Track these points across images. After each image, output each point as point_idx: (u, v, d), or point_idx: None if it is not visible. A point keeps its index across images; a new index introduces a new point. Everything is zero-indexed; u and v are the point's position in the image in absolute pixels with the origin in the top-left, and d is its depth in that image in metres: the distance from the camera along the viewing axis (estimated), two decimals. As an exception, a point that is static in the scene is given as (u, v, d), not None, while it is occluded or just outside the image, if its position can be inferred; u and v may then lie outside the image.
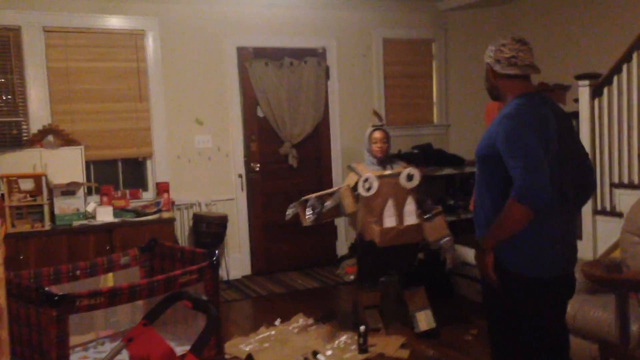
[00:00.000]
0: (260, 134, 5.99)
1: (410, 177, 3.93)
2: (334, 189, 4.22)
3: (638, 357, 2.29)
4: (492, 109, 4.45)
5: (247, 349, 4.00)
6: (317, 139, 6.23)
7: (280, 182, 6.08)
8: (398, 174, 3.95)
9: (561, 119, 2.39)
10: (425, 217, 4.02)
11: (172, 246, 3.95)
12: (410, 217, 3.92)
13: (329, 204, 3.99)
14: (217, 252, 3.53)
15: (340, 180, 6.21)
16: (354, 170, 4.15)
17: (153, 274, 3.80)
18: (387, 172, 4.02)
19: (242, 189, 5.91)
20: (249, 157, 5.94)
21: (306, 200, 4.03)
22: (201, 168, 5.72)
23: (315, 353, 3.88)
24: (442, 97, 6.73)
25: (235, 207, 5.85)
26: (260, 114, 5.99)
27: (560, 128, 2.36)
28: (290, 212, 4.14)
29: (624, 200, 4.03)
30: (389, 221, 3.89)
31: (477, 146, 2.41)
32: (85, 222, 4.72)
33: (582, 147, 2.55)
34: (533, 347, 2.37)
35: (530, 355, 2.38)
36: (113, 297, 3.03)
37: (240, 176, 5.89)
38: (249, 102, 5.93)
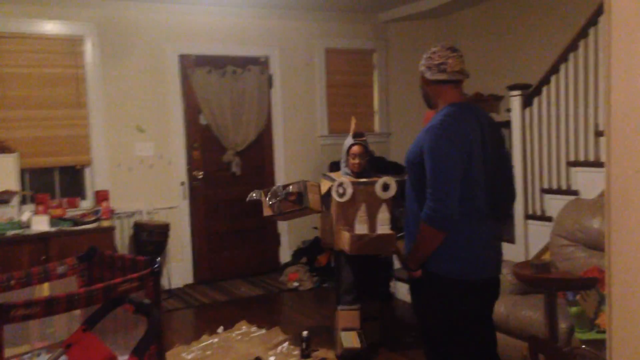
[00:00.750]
0: (203, 142, 5.97)
1: (386, 187, 3.70)
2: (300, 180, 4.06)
3: (565, 352, 2.42)
4: (430, 117, 4.60)
5: (189, 357, 3.97)
6: (261, 147, 6.25)
7: (224, 190, 6.07)
8: (373, 183, 3.73)
9: (489, 129, 2.51)
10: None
11: (112, 254, 3.87)
12: (384, 226, 3.61)
13: (291, 188, 3.88)
14: (159, 259, 3.50)
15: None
16: (329, 178, 4.03)
17: (92, 283, 3.72)
18: (363, 180, 3.82)
19: (185, 197, 5.87)
20: (191, 165, 5.91)
21: (269, 190, 3.99)
22: (142, 176, 5.65)
23: (258, 359, 3.89)
24: (383, 106, 6.88)
25: (177, 215, 5.80)
26: (202, 121, 5.97)
27: (489, 138, 2.48)
28: (250, 196, 4.11)
29: (553, 205, 4.22)
30: (360, 228, 3.62)
31: (407, 151, 2.51)
32: (19, 231, 4.59)
33: (509, 156, 2.68)
34: (463, 346, 2.47)
35: (460, 353, 2.49)
36: (50, 307, 2.95)
37: (182, 184, 5.85)
38: (192, 110, 5.91)
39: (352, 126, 3.98)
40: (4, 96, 5.05)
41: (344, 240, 3.68)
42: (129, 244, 5.50)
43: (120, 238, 5.42)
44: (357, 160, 3.89)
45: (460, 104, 2.49)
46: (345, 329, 3.81)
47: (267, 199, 3.96)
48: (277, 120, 6.29)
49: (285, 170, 6.30)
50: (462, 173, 2.35)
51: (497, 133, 2.58)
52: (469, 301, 2.46)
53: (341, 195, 3.70)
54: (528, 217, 4.46)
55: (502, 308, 3.62)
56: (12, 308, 2.84)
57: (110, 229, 4.91)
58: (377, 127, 6.89)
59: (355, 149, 3.89)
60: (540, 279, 2.71)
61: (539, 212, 4.42)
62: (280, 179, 6.28)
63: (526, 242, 4.44)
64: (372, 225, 3.62)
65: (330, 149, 6.36)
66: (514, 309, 3.55)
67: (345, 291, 3.90)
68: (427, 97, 2.59)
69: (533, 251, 4.39)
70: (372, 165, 6.76)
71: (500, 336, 3.56)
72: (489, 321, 2.59)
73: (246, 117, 6.07)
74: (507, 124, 4.64)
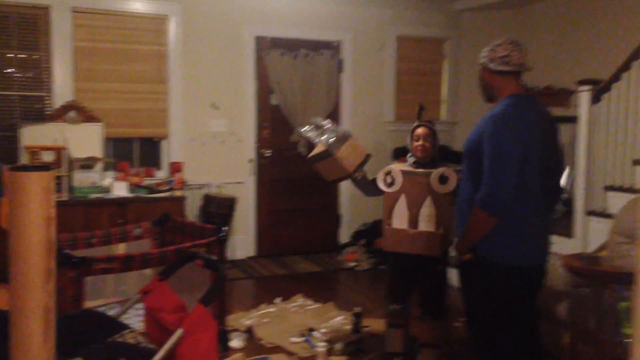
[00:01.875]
0: (272, 122, 6.21)
1: (443, 179, 3.16)
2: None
3: (609, 342, 2.48)
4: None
5: (248, 322, 4.23)
6: (327, 130, 6.42)
7: (289, 169, 6.30)
8: (428, 174, 3.20)
9: (547, 122, 2.59)
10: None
11: (183, 221, 4.19)
12: (426, 223, 3.18)
13: (325, 124, 3.50)
14: (226, 228, 3.76)
15: (345, 188, 6.42)
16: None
17: (164, 246, 4.04)
18: (419, 170, 3.31)
19: (252, 174, 6.14)
20: (260, 143, 6.17)
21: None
22: (214, 151, 5.95)
23: (311, 330, 4.10)
24: (452, 95, 6.91)
25: (244, 191, 6.08)
26: (273, 102, 6.21)
27: (547, 131, 2.56)
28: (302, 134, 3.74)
29: (616, 202, 4.20)
30: (398, 222, 3.24)
31: (466, 140, 2.61)
32: (101, 195, 4.97)
33: (562, 151, 2.75)
34: (507, 330, 2.57)
35: (505, 338, 2.59)
36: (127, 263, 3.27)
37: (250, 161, 6.11)
38: (264, 90, 6.15)
39: (418, 110, 3.60)
40: (93, 69, 5.43)
41: (384, 235, 3.34)
42: (198, 214, 5.82)
43: (191, 208, 5.74)
44: (420, 142, 3.37)
45: (521, 96, 2.57)
46: (392, 326, 3.46)
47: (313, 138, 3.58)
48: (345, 103, 6.45)
49: (350, 153, 6.45)
50: (519, 162, 2.42)
51: (554, 127, 2.65)
52: (516, 287, 2.55)
53: (389, 184, 3.26)
54: (589, 213, 4.45)
55: (550, 298, 3.68)
56: (94, 262, 3.17)
57: (182, 199, 5.24)
58: (443, 115, 6.93)
59: (420, 130, 3.44)
60: (588, 270, 2.77)
61: (600, 209, 4.40)
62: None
63: (585, 238, 4.44)
64: (414, 220, 3.23)
65: (395, 135, 6.46)
66: (562, 299, 3.59)
67: (391, 294, 3.48)
68: (486, 89, 2.68)
69: (591, 247, 4.38)
70: (442, 156, 6.83)
71: (543, 324, 3.64)
72: (533, 308, 2.68)
73: (315, 99, 6.26)
74: (575, 119, 4.62)
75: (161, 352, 1.87)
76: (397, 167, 3.32)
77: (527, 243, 2.53)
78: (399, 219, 3.24)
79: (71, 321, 1.98)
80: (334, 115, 6.41)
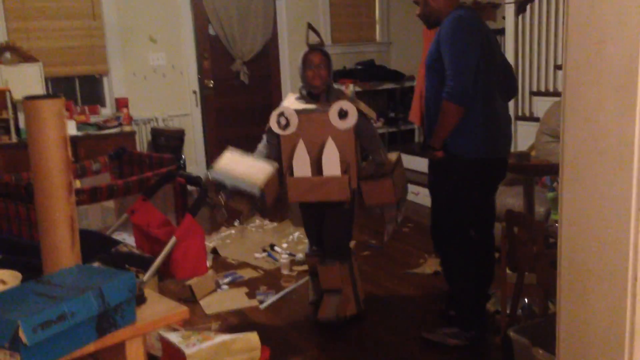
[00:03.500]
0: (212, 52, 6.26)
1: (343, 114, 2.90)
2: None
3: (535, 221, 2.84)
4: (430, 36, 4.95)
5: (211, 244, 4.47)
6: (267, 57, 6.54)
7: (233, 98, 6.42)
8: (326, 110, 2.93)
9: (490, 31, 2.86)
10: (366, 173, 3.08)
11: (141, 153, 4.31)
12: (331, 166, 2.90)
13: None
14: (183, 156, 3.92)
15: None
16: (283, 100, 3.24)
17: (123, 179, 4.17)
18: (314, 105, 3.00)
19: (197, 105, 6.23)
20: (202, 74, 6.23)
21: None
22: (156, 85, 5.98)
23: (272, 246, 4.39)
24: (384, 16, 7.09)
25: (191, 122, 6.18)
26: (211, 32, 6.23)
27: (492, 37, 2.83)
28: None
29: (541, 106, 4.60)
30: (300, 170, 2.92)
31: (426, 57, 2.82)
32: (49, 135, 4.97)
33: (506, 59, 3.03)
34: (469, 219, 2.88)
35: (466, 227, 2.90)
36: (94, 195, 3.41)
37: (194, 92, 6.18)
38: (201, 21, 6.16)
39: (311, 34, 3.05)
40: (24, 7, 5.30)
41: (287, 186, 2.99)
42: (147, 149, 5.90)
43: (139, 143, 5.81)
44: (314, 70, 2.98)
45: (467, 7, 2.80)
46: (314, 274, 3.28)
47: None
48: (282, 30, 6.54)
49: (291, 78, 6.61)
50: (476, 59, 2.65)
51: (495, 38, 2.92)
52: (483, 177, 2.84)
53: (284, 126, 2.96)
54: (518, 118, 4.84)
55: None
56: (63, 195, 3.30)
57: (132, 134, 5.32)
58: (378, 36, 7.13)
59: (313, 56, 2.99)
60: (519, 165, 3.13)
61: (527, 113, 4.80)
62: (286, 86, 6.60)
63: (515, 141, 4.84)
64: (317, 165, 2.94)
65: (334, 59, 6.61)
66: (500, 197, 4.00)
67: (309, 238, 3.33)
68: (433, 14, 2.80)
69: (522, 148, 4.80)
70: (369, 71, 7.03)
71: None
72: (493, 197, 3.02)
73: (253, 28, 6.33)
74: (502, 31, 4.93)
75: (160, 258, 2.09)
76: (290, 106, 2.99)
77: (492, 137, 2.79)
78: (300, 166, 2.91)
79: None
80: (272, 41, 6.50)
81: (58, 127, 1.45)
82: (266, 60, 6.56)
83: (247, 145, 6.51)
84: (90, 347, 1.25)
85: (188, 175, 2.64)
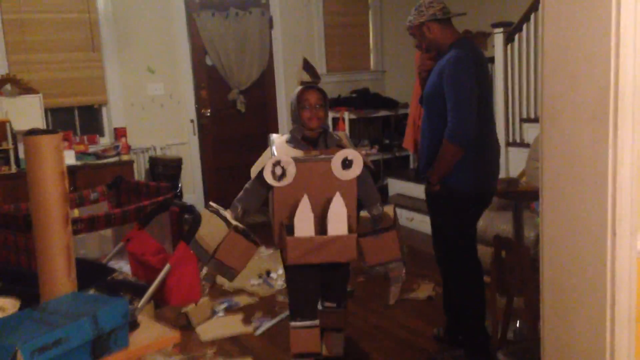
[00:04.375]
0: (209, 82, 6.38)
1: (347, 164, 2.59)
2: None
3: (522, 247, 2.91)
4: (419, 59, 5.07)
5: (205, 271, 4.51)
6: (263, 86, 6.66)
7: (230, 126, 6.52)
8: (329, 158, 2.59)
9: (485, 62, 2.99)
10: (365, 231, 2.74)
11: (138, 182, 4.39)
12: (337, 223, 2.55)
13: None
14: (179, 184, 4.00)
15: (287, 131, 6.72)
16: (270, 146, 2.82)
17: (120, 208, 4.24)
18: (314, 153, 2.66)
19: (194, 134, 6.32)
20: (199, 104, 6.34)
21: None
22: (155, 114, 6.08)
23: (268, 272, 4.44)
24: (378, 45, 7.24)
25: (188, 151, 6.27)
26: (208, 62, 6.36)
27: (486, 69, 2.98)
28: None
29: (531, 132, 4.69)
30: (303, 228, 2.53)
31: (427, 86, 2.92)
32: (49, 165, 5.05)
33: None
34: (469, 245, 3.00)
35: (466, 250, 3.00)
36: (92, 223, 3.49)
37: (192, 121, 6.28)
38: (198, 51, 6.29)
39: (304, 72, 2.72)
40: (25, 41, 5.42)
41: (284, 244, 2.60)
42: (145, 177, 5.98)
43: (138, 172, 5.89)
44: (311, 111, 2.65)
45: (465, 39, 2.91)
46: (300, 356, 2.79)
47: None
48: (278, 59, 6.67)
49: (287, 107, 6.71)
50: (476, 99, 2.77)
51: (487, 66, 3.05)
52: (475, 208, 2.99)
53: (279, 177, 2.57)
54: (509, 144, 4.93)
55: (480, 222, 4.14)
56: (61, 224, 3.37)
57: (130, 162, 5.39)
58: (372, 65, 7.27)
59: (310, 95, 2.66)
60: (508, 191, 3.20)
61: (518, 140, 4.89)
62: (282, 115, 6.71)
63: (507, 167, 4.93)
64: (323, 223, 2.58)
65: (328, 87, 6.73)
66: (491, 222, 4.07)
67: (297, 303, 2.81)
68: (434, 44, 2.92)
69: (513, 174, 4.89)
70: (364, 99, 6.77)
71: (479, 247, 4.11)
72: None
73: (249, 57, 6.46)
74: (492, 60, 5.05)
75: (155, 284, 2.15)
76: (285, 155, 2.59)
77: (486, 172, 2.93)
78: (303, 225, 2.53)
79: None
80: (268, 71, 6.63)
81: (56, 161, 1.52)
82: (262, 89, 6.68)
83: (245, 173, 6.61)
84: (85, 372, 1.31)
85: (182, 203, 2.71)
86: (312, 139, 2.71)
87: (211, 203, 2.75)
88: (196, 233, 2.49)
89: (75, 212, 4.28)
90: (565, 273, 1.96)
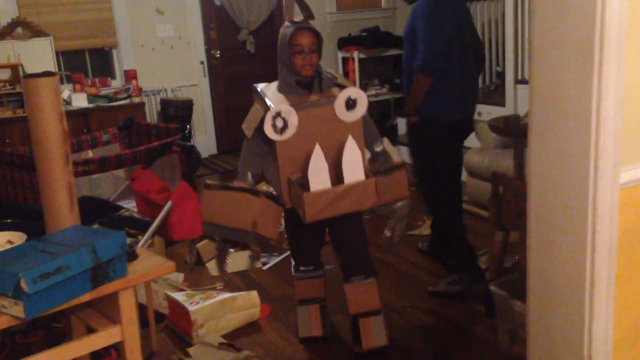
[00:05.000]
0: (218, 22, 6.36)
1: (352, 104, 2.39)
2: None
3: (517, 182, 2.97)
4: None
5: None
6: (273, 26, 6.61)
7: (240, 67, 6.53)
8: (331, 100, 2.38)
9: (466, 8, 3.16)
10: (377, 169, 2.56)
11: (148, 124, 4.47)
12: (354, 170, 2.35)
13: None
14: (189, 126, 4.07)
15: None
16: (260, 98, 2.47)
17: (131, 149, 4.35)
18: (313, 97, 2.40)
19: (205, 75, 6.35)
20: (209, 45, 6.34)
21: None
22: (165, 56, 6.10)
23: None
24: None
25: (199, 92, 6.32)
26: (217, 2, 6.32)
27: (467, 14, 3.15)
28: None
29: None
30: (318, 181, 2.31)
31: (404, 28, 3.04)
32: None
33: (476, 31, 3.32)
34: (445, 172, 3.14)
35: (447, 178, 3.15)
36: (103, 164, 3.59)
37: (202, 63, 6.30)
38: (206, -9, 6.25)
39: (295, 6, 2.44)
40: (32, -17, 5.44)
41: (298, 201, 2.37)
42: (157, 119, 6.07)
43: (149, 114, 5.98)
44: (305, 59, 2.36)
45: None
46: (305, 301, 2.78)
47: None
48: (288, -2, 6.61)
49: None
50: (447, 36, 2.90)
51: (468, 10, 3.24)
52: (454, 136, 3.12)
53: (282, 130, 2.32)
54: (517, 81, 4.90)
55: (485, 159, 4.19)
56: (74, 165, 3.47)
57: (141, 105, 5.47)
58: (383, 2, 7.15)
59: (301, 37, 2.36)
60: (507, 127, 3.24)
61: (527, 77, 4.84)
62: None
63: (515, 106, 4.92)
64: (337, 171, 2.37)
65: (339, 26, 6.70)
66: (495, 159, 4.11)
67: (300, 254, 2.76)
68: None
69: (522, 112, 4.87)
70: (375, 38, 6.68)
71: (482, 183, 4.16)
72: (461, 150, 3.31)
73: (258, -4, 6.41)
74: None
75: (157, 221, 2.26)
76: (285, 104, 2.35)
77: (461, 101, 3.06)
78: (318, 176, 2.31)
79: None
80: (277, 10, 6.57)
81: (54, 103, 1.59)
82: (272, 29, 6.62)
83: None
84: (86, 297, 1.42)
85: (183, 144, 2.79)
86: (305, 83, 2.42)
87: (208, 181, 2.47)
88: (195, 170, 2.57)
89: (89, 153, 4.40)
90: (550, 205, 2.02)
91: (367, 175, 2.39)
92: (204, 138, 6.45)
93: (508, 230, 2.95)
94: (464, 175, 4.40)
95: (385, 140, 2.66)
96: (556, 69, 1.91)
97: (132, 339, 1.51)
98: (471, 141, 4.88)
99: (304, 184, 2.34)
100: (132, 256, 1.56)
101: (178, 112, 5.91)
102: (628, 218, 1.93)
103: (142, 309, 2.73)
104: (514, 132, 3.25)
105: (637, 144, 1.90)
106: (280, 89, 2.44)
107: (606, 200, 1.86)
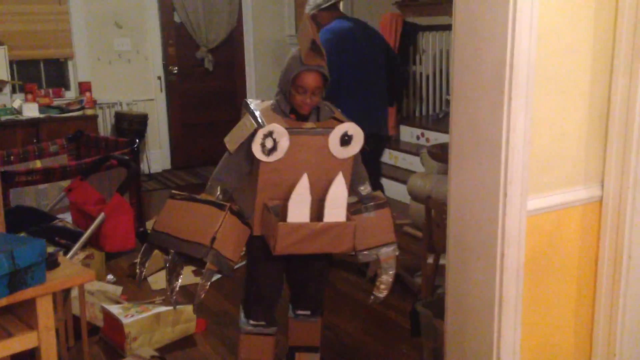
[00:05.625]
0: (177, 39, 6.42)
1: (347, 140, 2.27)
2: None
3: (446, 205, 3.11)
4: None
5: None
6: (232, 44, 6.72)
7: (197, 84, 6.59)
8: (326, 132, 2.25)
9: (371, 35, 3.62)
10: (356, 208, 2.38)
11: (97, 136, 4.49)
12: (337, 210, 2.21)
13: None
14: (137, 140, 4.10)
15: (254, 90, 6.81)
16: (251, 113, 2.29)
17: (79, 161, 4.36)
18: (309, 125, 2.28)
19: (162, 90, 6.39)
20: (167, 60, 6.39)
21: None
22: (121, 69, 6.13)
23: (224, 227, 4.59)
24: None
25: (155, 107, 6.34)
26: (177, 19, 6.39)
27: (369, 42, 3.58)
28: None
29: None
30: (297, 213, 2.17)
31: None
32: (12, 116, 5.13)
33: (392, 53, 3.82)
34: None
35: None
36: (47, 175, 3.59)
37: (159, 78, 6.34)
38: (166, 8, 6.31)
39: (307, 33, 2.19)
40: (-12, -9, 5.42)
41: (270, 230, 2.19)
42: (110, 133, 6.07)
43: (103, 127, 5.97)
44: (307, 99, 2.24)
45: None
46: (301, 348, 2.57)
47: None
48: (247, 18, 6.71)
49: (255, 67, 6.80)
50: (337, 62, 3.22)
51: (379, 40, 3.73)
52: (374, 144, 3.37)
53: (270, 151, 2.18)
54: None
55: (427, 184, 4.33)
56: (17, 175, 3.49)
57: (94, 117, 5.47)
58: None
59: (308, 78, 2.22)
60: (444, 153, 3.37)
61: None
62: (250, 75, 6.79)
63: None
64: (318, 207, 2.22)
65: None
66: (437, 185, 4.25)
67: (253, 301, 2.46)
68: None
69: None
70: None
71: (423, 207, 4.29)
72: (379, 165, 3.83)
73: (218, 16, 6.50)
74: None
75: (88, 232, 2.30)
76: (279, 125, 2.19)
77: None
78: (299, 209, 2.16)
79: (7, 214, 2.34)
80: (237, 30, 6.67)
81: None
82: (231, 48, 6.73)
83: (211, 131, 6.72)
84: (3, 302, 1.46)
85: (120, 157, 2.83)
86: (301, 115, 2.28)
87: (174, 191, 2.36)
88: (130, 184, 2.61)
89: (37, 164, 4.39)
90: (466, 230, 2.14)
91: (348, 219, 2.23)
92: (158, 153, 6.47)
93: (439, 253, 3.07)
94: (408, 199, 4.56)
95: (384, 210, 2.43)
96: (472, 102, 2.04)
97: (48, 345, 1.55)
98: (417, 166, 5.06)
99: (281, 212, 2.18)
100: (53, 264, 1.60)
101: (132, 126, 5.92)
102: (535, 243, 2.06)
103: (77, 320, 2.75)
104: (445, 158, 3.39)
105: (544, 175, 2.04)
106: (275, 110, 2.29)
107: (514, 226, 1.99)
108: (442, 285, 3.37)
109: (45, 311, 1.53)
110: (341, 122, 2.28)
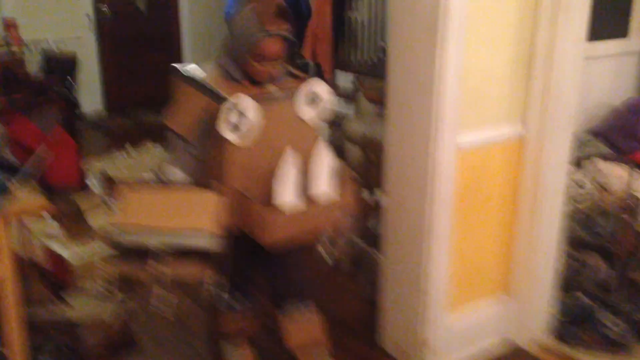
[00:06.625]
0: (107, -24, 6.19)
1: (313, 98, 1.99)
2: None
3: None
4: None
5: (100, 164, 4.63)
6: (165, -16, 6.54)
7: (131, 25, 6.40)
8: (290, 94, 1.95)
9: None
10: None
11: (27, 73, 4.35)
12: (324, 183, 1.92)
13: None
14: (69, 77, 4.01)
15: (188, 28, 6.67)
16: (195, 84, 1.92)
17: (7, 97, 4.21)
18: (272, 88, 1.93)
19: (91, 30, 6.18)
20: (97, -1, 6.17)
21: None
22: (48, 5, 5.87)
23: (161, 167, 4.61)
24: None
25: (85, 47, 6.12)
26: (106, -46, 6.14)
27: None
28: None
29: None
30: (284, 194, 1.84)
31: None
32: None
33: None
34: None
35: None
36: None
37: (87, 15, 6.12)
38: (95, -59, 6.05)
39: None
40: None
41: (262, 224, 1.82)
42: (37, 71, 5.83)
43: (30, 67, 5.73)
44: (263, 68, 1.88)
45: None
46: (229, 335, 2.35)
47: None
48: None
49: (189, 7, 6.65)
50: None
51: None
52: None
53: (236, 127, 1.83)
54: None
55: (362, 127, 4.48)
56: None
57: (21, 54, 5.25)
58: None
59: (271, 44, 1.85)
60: (380, 96, 3.52)
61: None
62: (184, 17, 6.65)
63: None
64: (304, 185, 1.91)
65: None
66: (371, 126, 4.41)
67: (232, 288, 2.23)
68: None
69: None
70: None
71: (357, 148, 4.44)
72: None
73: (151, -48, 6.29)
74: None
75: (28, 163, 2.28)
76: (244, 94, 1.84)
77: None
78: (288, 191, 1.84)
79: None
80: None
81: None
82: (164, -13, 6.55)
83: (146, 72, 6.56)
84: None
85: (58, 89, 2.80)
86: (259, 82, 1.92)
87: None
88: (72, 117, 2.60)
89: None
90: (402, 164, 2.30)
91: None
92: (90, 96, 6.28)
93: (373, 189, 3.25)
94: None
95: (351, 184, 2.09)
96: (408, 42, 2.16)
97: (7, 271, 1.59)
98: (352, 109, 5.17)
99: (268, 201, 1.82)
100: (4, 190, 1.63)
101: (61, 65, 5.71)
102: (465, 177, 2.25)
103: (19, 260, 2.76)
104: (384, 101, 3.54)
105: (473, 112, 2.21)
106: (226, 77, 1.90)
107: (446, 158, 2.16)
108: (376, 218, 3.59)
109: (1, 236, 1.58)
110: (300, 78, 2.00)
